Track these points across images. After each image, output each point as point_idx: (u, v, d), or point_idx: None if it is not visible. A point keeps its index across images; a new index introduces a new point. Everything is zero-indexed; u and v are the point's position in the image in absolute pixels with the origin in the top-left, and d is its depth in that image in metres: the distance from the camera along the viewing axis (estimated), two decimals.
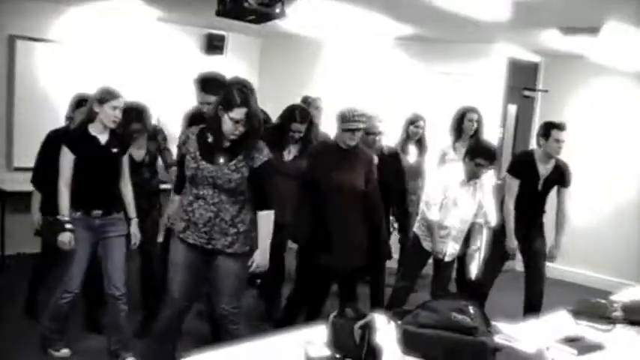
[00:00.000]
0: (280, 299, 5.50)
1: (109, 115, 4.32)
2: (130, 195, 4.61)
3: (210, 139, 3.89)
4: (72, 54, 6.99)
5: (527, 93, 7.97)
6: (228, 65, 8.30)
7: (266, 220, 3.98)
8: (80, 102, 4.87)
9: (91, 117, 4.36)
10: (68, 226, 4.28)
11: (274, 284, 5.63)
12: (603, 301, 3.91)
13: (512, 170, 5.48)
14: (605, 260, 7.56)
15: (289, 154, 5.24)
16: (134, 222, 4.62)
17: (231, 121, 3.77)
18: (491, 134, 7.42)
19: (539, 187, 5.39)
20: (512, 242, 5.37)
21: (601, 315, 3.77)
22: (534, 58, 7.91)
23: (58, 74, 6.64)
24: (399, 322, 3.18)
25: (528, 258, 5.57)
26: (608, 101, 7.53)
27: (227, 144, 3.88)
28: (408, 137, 6.45)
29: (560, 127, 5.29)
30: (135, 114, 4.88)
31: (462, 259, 5.52)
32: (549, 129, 5.29)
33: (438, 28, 6.71)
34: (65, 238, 4.28)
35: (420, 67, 7.62)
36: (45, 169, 4.78)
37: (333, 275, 4.87)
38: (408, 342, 3.07)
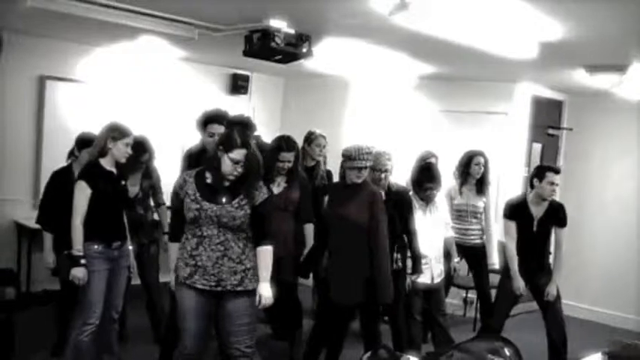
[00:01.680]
0: (298, 337, 5.47)
1: (122, 151, 4.47)
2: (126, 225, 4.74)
3: (209, 180, 3.93)
4: (97, 93, 7.08)
5: (551, 131, 7.92)
6: (252, 105, 8.41)
7: (267, 254, 3.99)
8: (84, 141, 5.02)
9: (103, 153, 4.47)
10: (82, 261, 4.33)
11: (291, 322, 5.52)
12: (637, 342, 3.84)
13: (507, 213, 5.52)
14: (631, 300, 7.45)
15: (278, 186, 5.18)
16: (132, 252, 4.77)
17: (231, 162, 3.83)
18: (516, 173, 7.41)
19: (534, 228, 5.39)
20: (518, 282, 5.36)
21: (637, 357, 3.70)
22: (559, 96, 7.88)
23: (85, 112, 6.71)
24: None
25: (541, 301, 5.49)
26: (634, 138, 7.46)
27: (226, 184, 3.91)
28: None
29: (555, 170, 5.38)
30: (142, 146, 5.20)
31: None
32: (544, 171, 5.35)
33: (462, 67, 6.73)
34: (79, 273, 4.32)
35: (443, 106, 7.61)
36: (51, 209, 4.95)
37: (344, 312, 4.81)
38: None
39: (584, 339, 5.59)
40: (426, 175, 5.31)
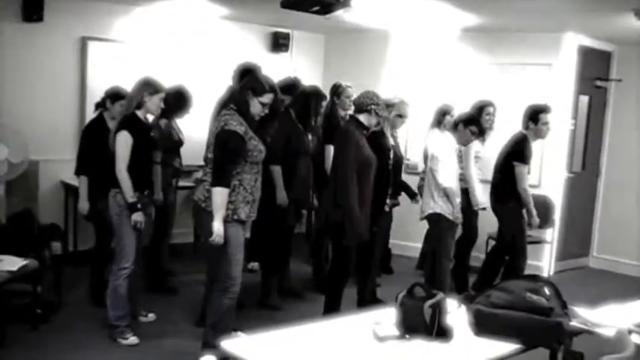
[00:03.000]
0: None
1: (157, 104, 4.77)
2: (158, 174, 5.19)
3: (250, 123, 4.26)
4: (138, 52, 7.11)
5: (599, 83, 7.68)
6: (293, 62, 8.36)
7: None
8: (116, 95, 5.28)
9: (140, 105, 4.71)
10: (139, 205, 4.60)
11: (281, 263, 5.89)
12: None
13: (525, 159, 5.73)
14: None
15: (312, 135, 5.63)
16: (159, 201, 5.21)
17: (260, 105, 4.25)
18: (562, 126, 7.22)
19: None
20: (536, 219, 5.79)
21: None
22: (607, 47, 7.63)
23: (126, 72, 6.70)
24: (470, 304, 3.10)
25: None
26: None
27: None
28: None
29: (546, 110, 5.68)
30: (186, 95, 5.83)
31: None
32: (537, 113, 5.66)
33: (506, 17, 6.55)
34: (140, 217, 4.60)
35: (487, 58, 7.42)
36: (88, 158, 5.22)
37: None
38: (481, 323, 2.98)
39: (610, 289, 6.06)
40: (476, 121, 5.59)
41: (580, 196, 7.65)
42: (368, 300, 5.44)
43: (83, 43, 6.87)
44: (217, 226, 4.10)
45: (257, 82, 4.30)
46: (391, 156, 5.35)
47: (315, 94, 5.66)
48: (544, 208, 6.91)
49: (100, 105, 5.42)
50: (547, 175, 7.16)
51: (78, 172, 5.34)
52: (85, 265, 5.70)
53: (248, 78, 4.51)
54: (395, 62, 8.02)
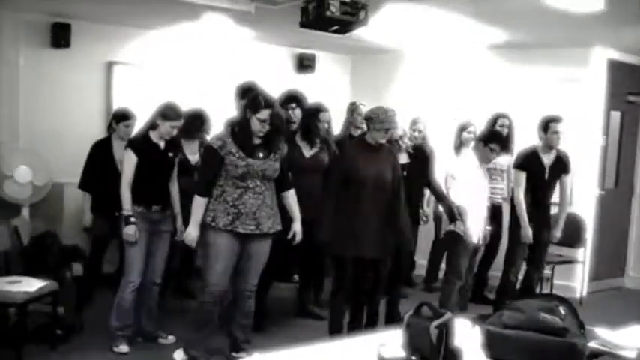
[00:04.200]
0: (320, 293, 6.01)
1: (168, 131, 4.88)
2: (176, 194, 5.08)
3: (243, 139, 4.42)
4: (164, 76, 7.18)
5: (631, 98, 7.49)
6: (319, 82, 8.34)
7: (294, 198, 4.71)
8: (121, 115, 5.68)
9: (153, 127, 4.89)
10: (132, 220, 4.76)
11: (314, 278, 5.99)
12: None
13: (518, 164, 5.88)
14: None
15: (310, 150, 5.53)
16: (179, 217, 5.05)
17: (258, 121, 4.37)
18: (593, 143, 7.06)
19: (546, 176, 5.81)
20: (527, 230, 5.76)
21: None
22: (638, 61, 7.44)
23: (151, 96, 6.73)
24: (482, 324, 2.99)
25: (534, 246, 5.92)
26: None
27: (257, 141, 4.45)
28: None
29: (556, 119, 5.72)
30: (201, 117, 5.85)
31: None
32: (548, 122, 5.73)
33: (532, 33, 6.46)
34: (131, 230, 4.75)
35: (514, 75, 7.31)
36: (94, 175, 5.60)
37: (363, 266, 5.01)
38: (492, 344, 2.86)
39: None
40: (497, 136, 5.57)
41: (613, 214, 7.44)
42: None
43: (109, 67, 6.97)
44: (190, 229, 4.47)
45: (253, 100, 4.44)
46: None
47: (312, 110, 5.62)
48: (574, 226, 6.78)
49: (110, 126, 5.72)
50: (578, 192, 6.97)
51: (81, 186, 5.74)
52: (108, 286, 5.70)
53: (248, 96, 4.66)
54: (421, 81, 7.96)
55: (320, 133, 5.52)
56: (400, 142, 5.48)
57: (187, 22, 6.76)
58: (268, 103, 4.40)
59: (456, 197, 5.38)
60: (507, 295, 5.82)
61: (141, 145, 4.87)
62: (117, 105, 6.85)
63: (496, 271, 6.42)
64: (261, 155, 4.45)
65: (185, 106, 5.88)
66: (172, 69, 7.29)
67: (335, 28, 5.52)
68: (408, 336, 2.82)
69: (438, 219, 6.28)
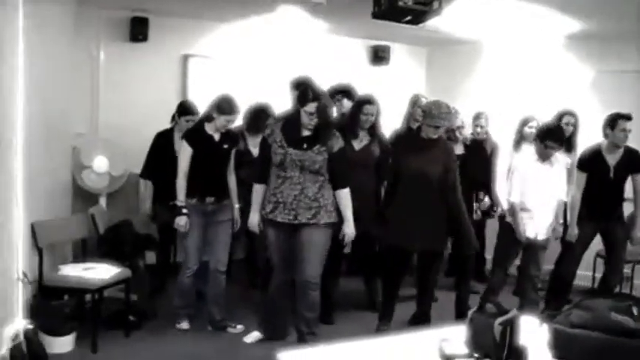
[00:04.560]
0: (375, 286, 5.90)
1: (222, 124, 4.98)
2: (234, 185, 5.19)
3: (292, 130, 4.57)
4: (238, 69, 7.27)
5: None
6: (394, 75, 8.28)
7: (346, 197, 4.65)
8: (184, 108, 5.83)
9: (209, 119, 5.01)
10: (184, 210, 4.93)
11: (368, 270, 6.02)
12: None
13: (580, 165, 5.73)
14: None
15: (360, 142, 5.52)
16: (236, 209, 5.19)
17: (306, 114, 4.49)
18: None
19: (611, 175, 5.59)
20: (573, 229, 5.66)
21: None
22: None
23: (226, 88, 6.80)
24: (550, 323, 2.89)
25: (609, 245, 5.78)
26: None
27: (307, 133, 4.57)
28: None
29: (626, 117, 5.48)
30: (265, 111, 5.89)
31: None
32: (616, 119, 5.50)
33: (608, 23, 6.20)
34: (182, 221, 4.93)
35: (588, 67, 7.06)
36: (155, 164, 5.79)
37: (406, 256, 5.24)
38: (558, 344, 2.76)
39: None
40: (552, 133, 5.37)
41: None
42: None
43: (184, 60, 7.09)
44: (250, 215, 4.78)
45: (302, 93, 4.58)
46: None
47: (357, 102, 5.61)
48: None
49: (173, 118, 5.87)
50: None
51: (142, 175, 5.96)
52: None
53: (297, 89, 4.85)
54: (498, 74, 7.78)
55: (363, 126, 5.49)
56: (457, 133, 5.47)
57: (262, 15, 6.80)
58: (316, 96, 4.50)
59: (508, 193, 5.42)
60: (558, 291, 5.85)
61: (196, 136, 5.00)
62: (192, 97, 7.02)
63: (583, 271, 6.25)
64: (304, 146, 4.54)
65: (258, 99, 6.06)
66: (247, 62, 7.36)
67: (408, 18, 5.41)
68: (472, 332, 2.75)
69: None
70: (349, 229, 4.67)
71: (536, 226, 5.40)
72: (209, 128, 5.01)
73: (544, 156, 5.38)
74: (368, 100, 5.53)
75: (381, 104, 5.73)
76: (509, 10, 5.96)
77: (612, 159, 5.60)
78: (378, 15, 5.40)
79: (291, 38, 7.63)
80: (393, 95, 6.97)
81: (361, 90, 6.02)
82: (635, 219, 5.66)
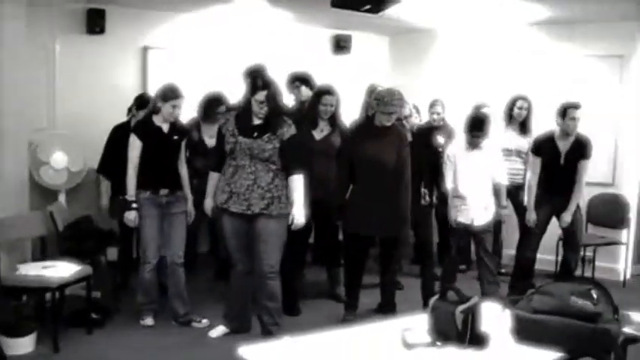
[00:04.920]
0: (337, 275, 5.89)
1: (169, 111, 4.95)
2: (186, 176, 5.18)
3: (244, 118, 4.61)
4: (199, 59, 7.17)
5: None
6: (356, 63, 8.26)
7: (297, 183, 4.62)
8: (142, 101, 5.70)
9: (155, 110, 5.00)
10: (134, 205, 4.93)
11: (330, 259, 5.96)
12: None
13: (533, 149, 5.97)
14: None
15: (321, 132, 5.53)
16: (189, 200, 5.17)
17: (256, 102, 4.53)
18: (637, 120, 6.83)
19: (562, 162, 5.76)
20: (531, 214, 5.86)
21: None
22: None
23: (187, 80, 6.70)
24: (512, 308, 2.90)
25: (565, 229, 5.90)
26: None
27: (258, 121, 4.60)
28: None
29: (575, 106, 5.68)
30: (218, 100, 5.93)
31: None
32: (566, 109, 5.69)
33: (575, 8, 6.25)
34: (131, 215, 4.94)
35: (555, 52, 7.10)
36: (112, 158, 5.61)
37: (366, 243, 5.26)
38: (521, 329, 2.78)
39: None
40: (477, 124, 5.48)
41: None
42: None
43: (144, 51, 6.98)
44: (206, 200, 4.87)
45: (251, 82, 4.65)
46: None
47: (316, 93, 5.61)
48: (617, 207, 6.62)
49: (130, 111, 5.82)
50: (621, 172, 6.81)
51: (99, 170, 5.92)
52: None
53: (248, 79, 4.86)
54: (460, 60, 7.80)
55: (322, 116, 5.49)
56: (405, 122, 5.46)
57: (222, 5, 6.71)
58: (265, 85, 4.55)
59: (447, 180, 5.58)
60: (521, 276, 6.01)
61: (144, 129, 5.00)
62: (153, 90, 6.91)
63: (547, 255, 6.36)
64: (255, 134, 4.56)
65: (220, 89, 6.03)
66: (208, 52, 7.26)
67: (367, 7, 5.45)
68: (434, 321, 2.77)
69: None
70: (299, 216, 4.62)
71: (471, 212, 5.49)
72: (157, 120, 5.01)
73: (473, 144, 5.50)
74: (327, 91, 5.51)
75: (344, 94, 5.72)
76: None
77: (563, 146, 5.77)
78: (337, 3, 5.41)
79: (252, 28, 7.55)
80: (355, 84, 6.92)
81: (324, 79, 5.98)
82: (569, 203, 5.76)
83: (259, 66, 5.45)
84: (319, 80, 5.98)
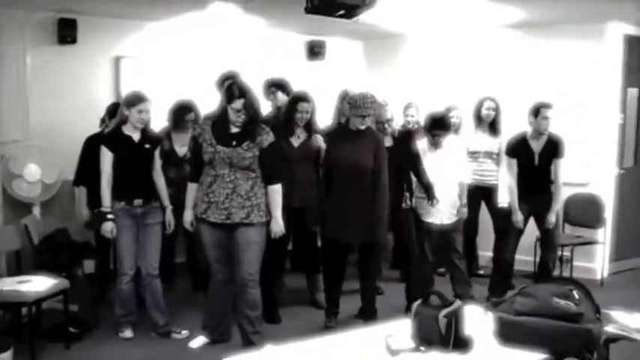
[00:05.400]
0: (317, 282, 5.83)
1: (136, 117, 4.89)
2: (162, 185, 5.11)
3: (221, 127, 4.55)
4: (173, 68, 7.13)
5: None
6: (330, 69, 8.26)
7: (276, 193, 4.62)
8: (113, 111, 5.49)
9: (123, 119, 4.93)
10: (110, 216, 4.85)
11: (309, 265, 5.91)
12: None
13: (508, 151, 5.93)
14: None
15: (298, 138, 5.52)
16: (168, 210, 5.10)
17: (233, 111, 4.47)
18: (611, 121, 6.91)
19: (536, 162, 5.79)
20: (517, 215, 5.81)
21: None
22: None
23: (161, 89, 6.69)
24: (495, 311, 2.90)
25: (542, 228, 5.92)
26: None
27: (235, 130, 4.54)
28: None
29: (547, 105, 5.71)
30: (187, 107, 5.84)
31: None
32: (538, 108, 5.71)
33: (545, 10, 6.29)
34: (108, 227, 4.85)
35: (528, 54, 7.16)
36: (87, 169, 5.48)
37: (344, 249, 5.22)
38: (504, 332, 2.78)
39: None
40: (437, 122, 5.58)
41: (633, 193, 7.25)
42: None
43: (116, 61, 6.91)
44: (185, 213, 4.75)
45: (227, 90, 4.56)
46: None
47: (292, 100, 5.59)
48: (593, 206, 6.68)
49: (103, 121, 5.73)
50: (597, 172, 6.85)
51: (75, 183, 5.76)
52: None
53: (225, 87, 4.74)
54: (435, 63, 7.83)
55: (298, 123, 5.48)
56: (386, 125, 5.48)
57: (194, 12, 6.66)
58: (242, 93, 4.49)
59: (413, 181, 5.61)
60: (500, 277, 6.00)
61: (114, 139, 4.93)
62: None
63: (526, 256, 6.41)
64: (233, 143, 4.51)
65: (195, 98, 6.01)
66: (181, 60, 7.21)
67: (341, 12, 5.41)
68: (417, 326, 2.75)
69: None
70: (277, 227, 4.62)
71: (439, 211, 5.56)
72: (127, 129, 4.94)
73: (435, 144, 5.59)
74: (303, 98, 5.49)
75: (319, 99, 5.71)
76: (444, 1, 6.00)
77: (537, 146, 5.80)
78: (311, 10, 5.34)
79: (225, 35, 7.52)
80: (330, 90, 6.91)
81: (299, 85, 5.96)
82: (552, 203, 5.80)
83: (233, 73, 5.43)
84: (294, 86, 5.97)
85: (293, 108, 5.47)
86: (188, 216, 4.73)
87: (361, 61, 8.72)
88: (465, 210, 5.86)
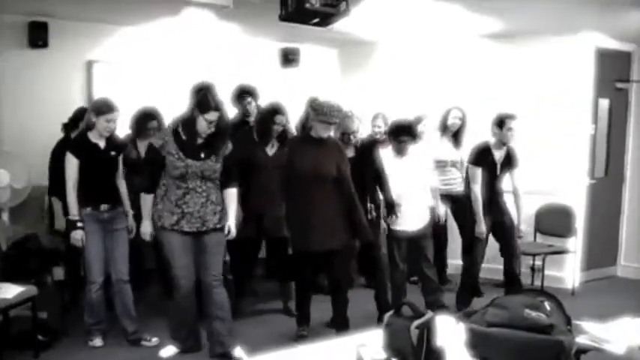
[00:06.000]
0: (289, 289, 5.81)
1: (103, 126, 4.87)
2: (125, 191, 5.11)
3: (185, 138, 4.55)
4: (145, 73, 7.06)
5: (620, 85, 7.38)
6: (304, 76, 8.25)
7: (233, 196, 4.76)
8: (80, 119, 5.38)
9: (90, 126, 4.89)
10: (79, 224, 4.83)
11: (282, 273, 5.90)
12: None
13: (472, 160, 5.91)
14: None
15: (272, 147, 5.61)
16: (130, 215, 5.09)
17: (205, 122, 4.48)
18: (582, 131, 6.98)
19: (498, 172, 5.88)
20: (481, 227, 5.83)
21: None
22: (626, 47, 7.33)
23: (133, 94, 6.63)
24: (466, 321, 2.90)
25: (501, 238, 6.04)
26: None
27: (201, 141, 4.57)
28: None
29: (512, 117, 5.77)
30: (150, 115, 5.82)
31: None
32: (504, 119, 5.76)
33: (517, 21, 6.37)
34: (77, 235, 4.83)
35: (500, 64, 7.22)
36: (59, 179, 5.17)
37: (311, 258, 5.16)
38: (476, 343, 2.78)
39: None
40: (403, 128, 5.60)
41: (604, 203, 7.34)
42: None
43: (89, 66, 6.83)
44: (142, 224, 4.71)
45: (202, 100, 4.52)
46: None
47: (268, 112, 5.63)
48: (565, 216, 6.74)
49: (66, 126, 5.66)
50: (567, 182, 6.91)
51: (50, 193, 5.63)
52: None
53: (198, 95, 4.69)
54: (409, 72, 7.83)
55: (274, 135, 5.56)
56: (351, 137, 5.49)
57: (168, 18, 6.62)
58: (217, 106, 4.53)
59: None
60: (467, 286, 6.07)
61: (80, 146, 4.90)
62: None
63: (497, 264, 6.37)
64: (202, 155, 4.56)
65: (168, 104, 5.90)
66: (154, 66, 7.15)
67: (315, 20, 5.40)
68: (389, 337, 2.73)
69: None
70: (233, 226, 4.70)
71: (407, 218, 5.55)
72: (93, 136, 4.92)
73: (400, 151, 5.60)
74: (280, 110, 5.56)
75: (292, 107, 5.73)
76: (419, 9, 6.02)
77: (499, 156, 5.87)
78: (285, 17, 5.33)
79: (199, 41, 7.47)
80: (304, 97, 6.89)
81: (272, 93, 5.97)
82: (518, 211, 5.92)
83: (209, 84, 5.35)
84: (268, 94, 5.96)
85: (270, 119, 5.50)
86: (147, 227, 4.70)
87: (335, 69, 8.71)
88: (442, 211, 6.02)
